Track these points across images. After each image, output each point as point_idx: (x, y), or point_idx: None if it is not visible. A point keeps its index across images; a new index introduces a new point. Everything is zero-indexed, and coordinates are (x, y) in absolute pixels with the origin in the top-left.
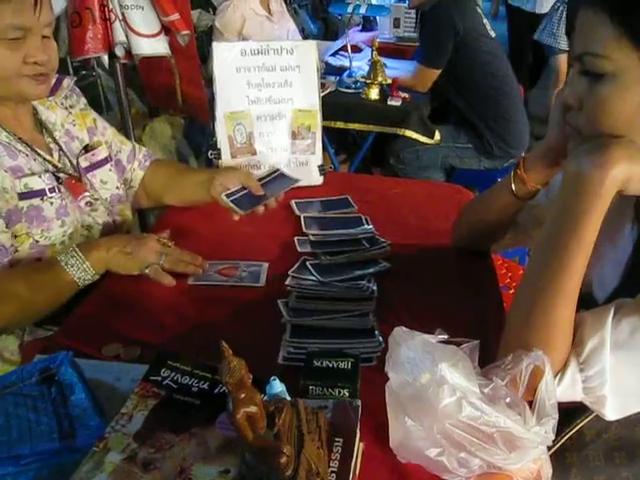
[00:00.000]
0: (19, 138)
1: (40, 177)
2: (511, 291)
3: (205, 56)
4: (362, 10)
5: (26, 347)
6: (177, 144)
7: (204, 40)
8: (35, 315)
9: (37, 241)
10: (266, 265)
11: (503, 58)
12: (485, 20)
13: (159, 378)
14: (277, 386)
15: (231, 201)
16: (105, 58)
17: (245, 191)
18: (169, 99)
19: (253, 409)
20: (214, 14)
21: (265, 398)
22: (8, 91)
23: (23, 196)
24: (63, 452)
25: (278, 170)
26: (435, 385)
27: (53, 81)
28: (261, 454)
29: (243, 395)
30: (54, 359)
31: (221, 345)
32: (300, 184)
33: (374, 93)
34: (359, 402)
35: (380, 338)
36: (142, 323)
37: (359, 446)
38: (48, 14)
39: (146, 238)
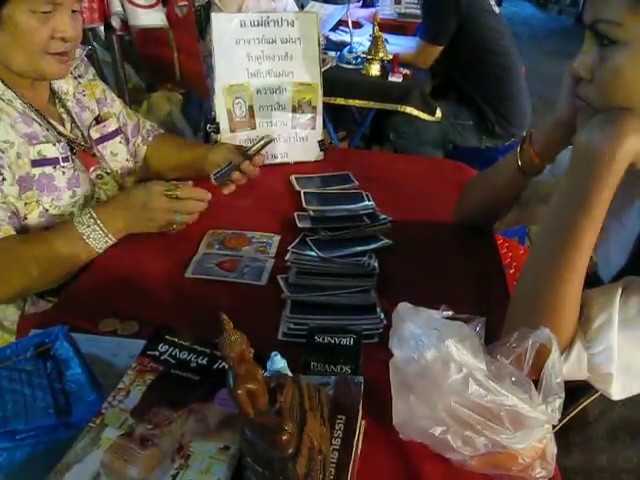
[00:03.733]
0: (34, 108)
1: (54, 145)
2: (512, 271)
3: (203, 31)
4: None
5: (21, 322)
6: (174, 120)
7: (202, 15)
8: (54, 280)
9: (46, 210)
10: (271, 262)
11: (506, 35)
12: None
13: (157, 353)
14: (278, 362)
15: (215, 179)
16: (101, 29)
17: (231, 166)
18: (166, 73)
19: (254, 384)
20: None
21: (266, 374)
22: (30, 67)
23: (36, 163)
24: (59, 428)
25: (265, 138)
26: (441, 362)
27: None
28: (262, 431)
29: (244, 370)
30: (49, 333)
31: (221, 317)
32: (300, 159)
33: (375, 69)
34: (361, 379)
35: (382, 315)
36: (140, 298)
37: (361, 424)
38: None
39: (154, 200)
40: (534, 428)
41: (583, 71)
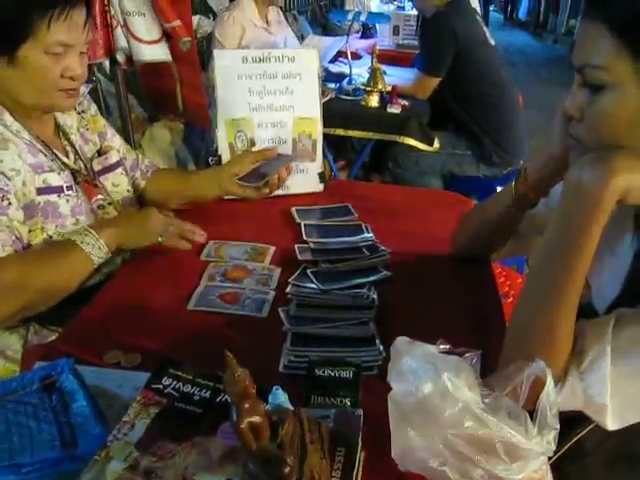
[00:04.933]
0: (40, 140)
1: (59, 174)
2: (509, 299)
3: (204, 62)
4: (362, 17)
5: (26, 353)
6: (176, 149)
7: (203, 46)
8: (53, 296)
9: (50, 237)
10: (272, 294)
11: (502, 65)
12: (485, 28)
13: (161, 386)
14: (280, 395)
15: (243, 182)
16: (106, 64)
17: (252, 172)
18: (169, 105)
19: (257, 419)
20: (214, 20)
21: (267, 407)
22: (41, 102)
23: (41, 191)
24: (64, 461)
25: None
26: (438, 395)
27: None
28: (264, 464)
29: (247, 405)
30: (55, 366)
31: (225, 355)
32: (300, 191)
33: (374, 100)
34: (361, 412)
35: (381, 347)
36: (143, 331)
37: (361, 456)
38: (90, 33)
39: (149, 210)
40: (530, 459)
41: (573, 111)
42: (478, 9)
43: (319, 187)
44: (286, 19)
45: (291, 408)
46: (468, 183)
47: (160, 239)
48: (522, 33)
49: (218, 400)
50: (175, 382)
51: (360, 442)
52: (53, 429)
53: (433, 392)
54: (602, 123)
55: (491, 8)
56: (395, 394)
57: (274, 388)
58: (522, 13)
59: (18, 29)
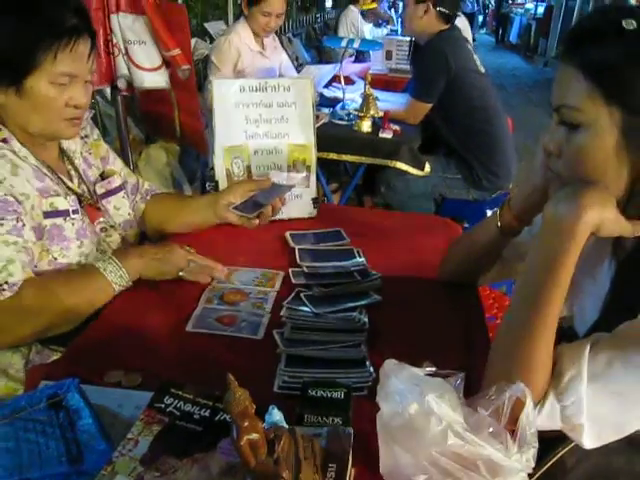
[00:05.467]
0: (46, 165)
1: (65, 198)
2: (498, 321)
3: (200, 84)
4: (356, 45)
5: (30, 372)
6: (172, 170)
7: (200, 68)
8: (73, 319)
9: (55, 258)
10: (268, 316)
11: (492, 93)
12: (475, 56)
13: (163, 405)
14: (276, 415)
15: (237, 211)
16: (107, 90)
17: (247, 200)
18: (167, 130)
19: (255, 437)
20: (210, 42)
21: (264, 425)
22: (46, 130)
23: (47, 215)
24: (72, 476)
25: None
26: (423, 415)
27: None
28: (262, 479)
29: (246, 423)
30: (61, 385)
31: (227, 377)
32: (295, 216)
33: (366, 126)
34: (351, 430)
35: (371, 368)
36: (143, 351)
37: (351, 472)
38: (95, 63)
39: (173, 246)
40: (510, 476)
41: (552, 147)
42: (469, 38)
43: (313, 212)
44: (281, 43)
45: (286, 426)
46: (458, 206)
47: (181, 274)
48: (513, 56)
49: (217, 419)
50: (176, 401)
51: (350, 459)
52: (60, 445)
53: (418, 412)
54: (578, 160)
55: (483, 31)
56: (383, 414)
57: (270, 408)
58: (513, 36)
59: (25, 61)
